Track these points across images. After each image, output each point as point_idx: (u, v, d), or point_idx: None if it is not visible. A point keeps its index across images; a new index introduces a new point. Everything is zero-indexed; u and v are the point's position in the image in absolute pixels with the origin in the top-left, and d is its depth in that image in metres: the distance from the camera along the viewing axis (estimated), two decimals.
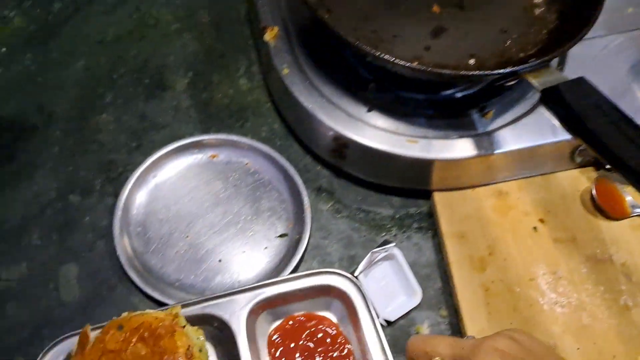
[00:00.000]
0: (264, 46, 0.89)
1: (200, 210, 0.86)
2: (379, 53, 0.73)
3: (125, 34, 1.04)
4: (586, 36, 0.73)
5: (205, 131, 0.93)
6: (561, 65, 0.85)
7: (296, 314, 0.77)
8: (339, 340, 0.74)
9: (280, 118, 0.94)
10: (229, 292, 0.74)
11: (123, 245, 0.82)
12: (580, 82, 0.67)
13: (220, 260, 0.82)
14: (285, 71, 0.85)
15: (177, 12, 1.07)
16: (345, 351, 0.74)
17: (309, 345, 0.74)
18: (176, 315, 0.69)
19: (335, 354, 0.74)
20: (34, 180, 0.89)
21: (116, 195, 0.86)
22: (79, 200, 0.87)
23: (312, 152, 0.90)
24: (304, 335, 0.75)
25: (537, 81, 0.69)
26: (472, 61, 0.79)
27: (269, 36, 0.89)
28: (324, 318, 0.76)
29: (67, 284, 0.81)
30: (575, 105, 0.64)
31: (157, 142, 0.91)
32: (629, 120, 0.62)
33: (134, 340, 0.67)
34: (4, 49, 1.03)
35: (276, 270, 0.81)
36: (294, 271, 0.80)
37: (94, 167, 0.90)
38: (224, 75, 0.98)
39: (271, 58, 0.87)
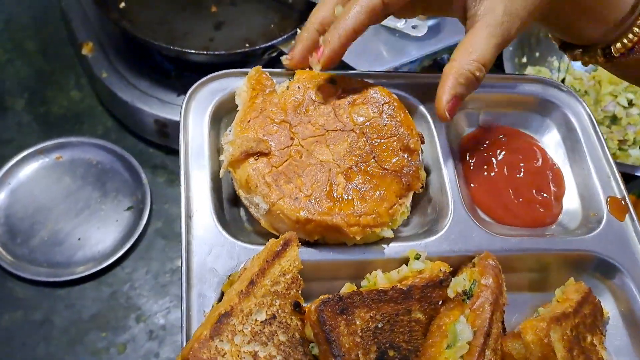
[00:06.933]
0: (84, 59, 1.07)
1: (53, 203, 1.02)
2: (174, 47, 0.95)
3: None
4: None
5: (48, 139, 1.08)
6: None
7: (494, 124, 0.64)
8: (550, 162, 0.61)
9: (112, 117, 1.12)
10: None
11: None
12: None
13: (79, 239, 0.99)
14: (105, 75, 1.04)
15: (5, 45, 1.21)
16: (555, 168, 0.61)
17: (515, 157, 0.61)
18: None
19: (538, 165, 0.60)
20: None
21: None
22: None
23: (143, 138, 1.09)
24: (504, 146, 0.61)
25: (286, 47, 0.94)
26: (247, 44, 1.03)
27: (86, 50, 1.07)
28: (530, 136, 0.63)
29: None
30: None
31: (7, 156, 1.06)
32: None
33: (352, 98, 0.56)
34: None
35: (127, 235, 0.99)
36: (142, 234, 0.99)
37: None
38: (57, 91, 1.14)
39: (92, 67, 1.06)
